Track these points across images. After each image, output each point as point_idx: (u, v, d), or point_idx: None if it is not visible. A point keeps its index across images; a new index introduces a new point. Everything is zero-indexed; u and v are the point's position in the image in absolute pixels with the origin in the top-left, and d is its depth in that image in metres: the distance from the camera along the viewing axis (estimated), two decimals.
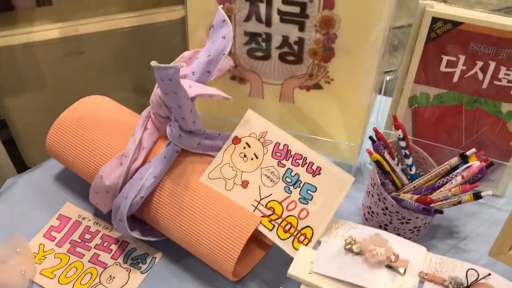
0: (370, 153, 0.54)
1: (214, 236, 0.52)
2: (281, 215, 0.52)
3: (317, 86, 0.62)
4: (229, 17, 0.59)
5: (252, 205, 0.53)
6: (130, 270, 0.56)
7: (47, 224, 0.60)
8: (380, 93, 0.66)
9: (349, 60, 0.58)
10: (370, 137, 0.56)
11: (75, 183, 0.63)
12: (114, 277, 0.55)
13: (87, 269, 0.56)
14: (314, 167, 0.52)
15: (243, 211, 0.52)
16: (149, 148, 0.56)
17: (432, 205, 0.53)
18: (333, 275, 0.46)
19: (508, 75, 0.57)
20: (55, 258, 0.57)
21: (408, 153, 0.58)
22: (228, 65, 0.61)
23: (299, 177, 0.52)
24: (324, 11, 0.56)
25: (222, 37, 0.55)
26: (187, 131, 0.55)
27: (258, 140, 0.54)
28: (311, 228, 0.51)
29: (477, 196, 0.52)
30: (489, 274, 0.45)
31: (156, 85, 0.55)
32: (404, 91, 0.62)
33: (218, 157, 0.55)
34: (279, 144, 0.54)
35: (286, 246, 0.51)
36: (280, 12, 0.57)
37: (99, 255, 0.57)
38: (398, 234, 0.58)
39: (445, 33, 0.57)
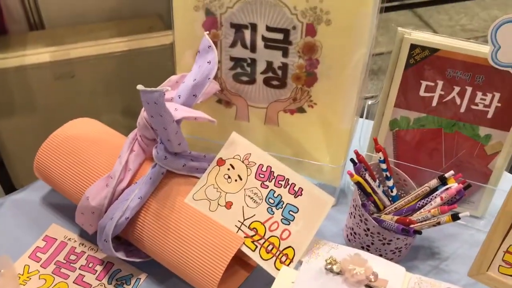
0: (351, 175, 0.56)
1: (197, 256, 0.52)
2: (263, 236, 0.53)
3: (301, 110, 0.63)
4: (215, 42, 0.61)
5: (235, 225, 0.54)
6: None
7: (33, 245, 0.60)
8: (362, 116, 0.68)
9: (331, 84, 0.60)
10: (351, 159, 0.58)
11: (62, 204, 0.64)
12: None
13: None
14: (296, 188, 0.53)
15: (227, 232, 0.53)
16: (135, 169, 0.57)
17: (411, 226, 0.54)
18: None
19: (484, 100, 0.59)
20: (39, 279, 0.57)
21: (389, 175, 0.60)
22: (214, 89, 0.63)
23: (281, 198, 0.53)
24: (307, 38, 0.58)
25: (208, 62, 0.57)
26: (172, 153, 0.56)
27: (242, 162, 0.56)
28: (293, 249, 0.51)
29: (455, 217, 0.53)
30: None
31: (143, 108, 0.56)
32: (385, 115, 0.64)
33: (203, 179, 0.56)
34: (263, 166, 0.55)
35: (268, 266, 0.52)
36: (264, 39, 0.59)
37: (84, 276, 0.57)
38: (380, 255, 0.59)
39: (423, 59, 0.59)
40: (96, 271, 0.58)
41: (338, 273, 0.48)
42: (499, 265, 0.53)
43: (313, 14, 0.56)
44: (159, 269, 0.57)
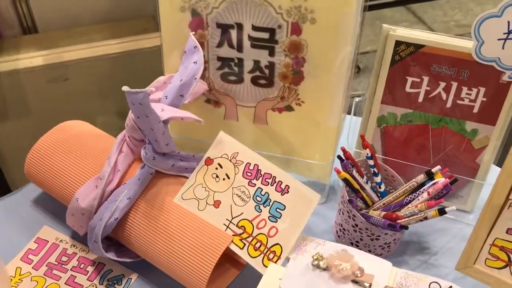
0: (337, 172, 0.56)
1: (186, 256, 0.53)
2: (251, 234, 0.53)
3: (289, 108, 0.64)
4: (202, 43, 0.61)
5: (224, 224, 0.54)
6: None
7: (24, 247, 0.61)
8: (350, 113, 0.68)
9: (317, 83, 0.61)
10: (339, 156, 0.58)
11: (54, 206, 0.64)
12: None
13: None
14: (282, 186, 0.54)
15: (215, 231, 0.54)
16: (124, 170, 0.58)
17: (398, 221, 0.55)
18: None
19: (470, 94, 0.59)
20: (31, 281, 0.57)
21: (376, 171, 0.60)
22: (202, 89, 0.63)
23: (268, 196, 0.54)
24: (292, 37, 0.58)
25: (194, 62, 0.57)
26: (161, 153, 0.57)
27: (230, 160, 0.56)
28: (280, 246, 0.52)
29: (442, 212, 0.53)
30: (451, 287, 0.47)
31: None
32: (372, 111, 0.64)
33: (191, 178, 0.57)
34: (250, 164, 0.55)
35: (256, 263, 0.52)
36: (250, 38, 0.60)
37: (76, 277, 0.58)
38: (369, 251, 0.60)
39: (408, 56, 0.59)
40: (88, 271, 0.59)
41: (324, 269, 0.49)
42: (486, 258, 0.53)
43: (297, 13, 0.57)
44: (150, 269, 0.58)
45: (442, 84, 0.60)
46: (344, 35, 0.57)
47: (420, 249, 0.63)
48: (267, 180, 0.54)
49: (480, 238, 0.53)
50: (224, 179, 0.56)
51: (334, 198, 0.69)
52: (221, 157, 0.56)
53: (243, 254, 0.53)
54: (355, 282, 0.48)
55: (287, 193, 0.53)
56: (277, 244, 0.52)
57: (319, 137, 0.64)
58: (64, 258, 0.60)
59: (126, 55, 1.05)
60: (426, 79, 0.60)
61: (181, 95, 0.57)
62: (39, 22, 1.08)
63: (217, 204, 0.55)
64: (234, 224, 0.54)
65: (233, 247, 0.53)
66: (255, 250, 0.52)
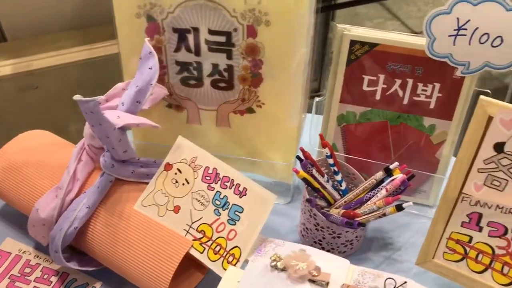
0: (296, 172, 0.56)
1: (146, 262, 0.53)
2: (211, 237, 0.53)
3: (250, 110, 0.64)
4: (160, 48, 0.61)
5: (184, 229, 0.54)
6: None
7: None
8: (311, 112, 0.69)
9: (276, 84, 0.61)
10: (297, 157, 0.58)
11: (17, 218, 0.64)
12: None
13: None
14: (240, 188, 0.54)
15: (175, 236, 0.54)
16: (83, 179, 0.58)
17: (356, 218, 0.55)
18: None
19: (425, 91, 0.60)
20: None
21: (336, 169, 0.60)
22: (161, 94, 0.63)
23: (227, 199, 0.54)
24: (249, 39, 0.59)
25: (149, 68, 0.57)
26: (120, 160, 0.57)
27: (189, 165, 0.56)
28: (239, 248, 0.52)
29: (399, 208, 0.54)
30: (405, 282, 0.47)
31: None
32: (332, 110, 0.65)
33: (151, 184, 0.57)
34: (209, 168, 0.56)
35: (216, 267, 0.52)
36: (207, 42, 0.60)
37: None
38: (332, 249, 0.60)
39: (363, 55, 0.60)
40: (51, 282, 0.58)
41: (282, 270, 0.49)
42: (444, 252, 0.54)
43: (252, 15, 0.57)
44: (114, 277, 0.57)
45: (398, 82, 0.60)
46: (298, 37, 0.57)
47: (384, 245, 0.63)
48: (225, 183, 0.55)
49: (437, 232, 0.54)
50: (183, 184, 0.56)
51: (299, 198, 0.69)
52: (180, 162, 0.57)
53: (203, 259, 0.53)
54: (312, 281, 0.48)
55: (245, 195, 0.53)
56: (236, 246, 0.52)
57: (281, 138, 0.65)
58: (27, 270, 0.59)
59: (95, 61, 1.05)
60: (382, 77, 0.61)
61: (137, 101, 0.57)
62: (8, 31, 1.07)
63: (177, 209, 0.55)
64: (194, 229, 0.54)
65: (193, 252, 0.53)
66: (215, 254, 0.53)
